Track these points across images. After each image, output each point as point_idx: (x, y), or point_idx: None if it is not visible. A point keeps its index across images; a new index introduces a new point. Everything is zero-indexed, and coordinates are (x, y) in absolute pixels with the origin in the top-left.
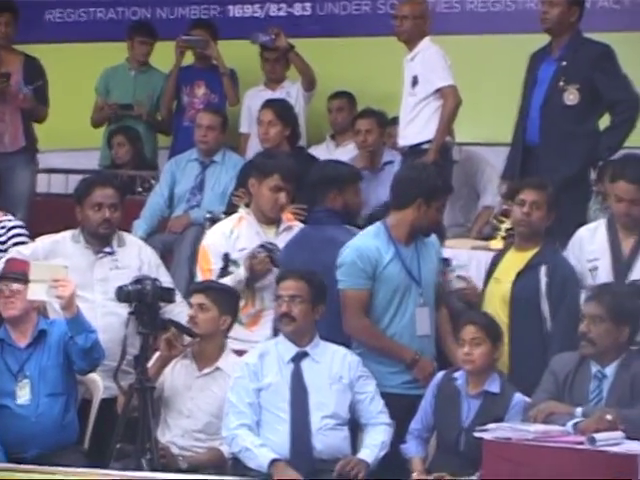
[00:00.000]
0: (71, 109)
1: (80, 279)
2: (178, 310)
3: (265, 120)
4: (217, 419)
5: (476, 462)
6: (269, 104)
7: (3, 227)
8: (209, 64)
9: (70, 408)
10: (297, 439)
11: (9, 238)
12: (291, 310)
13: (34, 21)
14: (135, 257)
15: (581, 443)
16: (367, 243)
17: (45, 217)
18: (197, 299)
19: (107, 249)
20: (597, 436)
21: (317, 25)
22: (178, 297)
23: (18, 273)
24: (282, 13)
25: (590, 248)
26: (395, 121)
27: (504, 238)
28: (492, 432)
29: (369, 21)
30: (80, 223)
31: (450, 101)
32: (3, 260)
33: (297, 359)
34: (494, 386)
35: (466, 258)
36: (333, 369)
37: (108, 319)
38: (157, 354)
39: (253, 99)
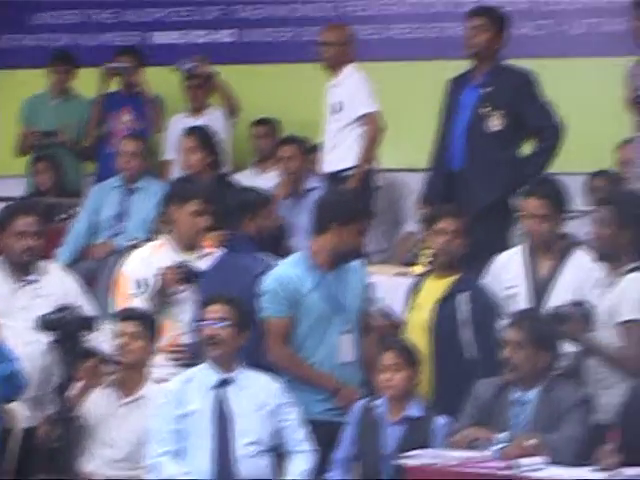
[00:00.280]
0: None
1: (2, 307)
2: (102, 338)
3: (187, 147)
4: (140, 448)
5: None
6: (191, 131)
7: None
8: (135, 91)
9: None
10: (220, 466)
11: None
12: (217, 334)
13: None
14: (58, 285)
15: (505, 468)
16: (287, 272)
17: None
18: (128, 327)
19: (30, 277)
20: (521, 461)
21: (241, 52)
22: (102, 324)
23: None
24: (207, 40)
25: (507, 276)
26: (319, 147)
27: (426, 264)
28: (415, 458)
29: (293, 48)
30: (2, 251)
31: (373, 127)
32: None
33: (221, 385)
34: (415, 410)
35: (389, 284)
36: (258, 396)
37: (30, 348)
38: (79, 383)
39: (177, 125)
